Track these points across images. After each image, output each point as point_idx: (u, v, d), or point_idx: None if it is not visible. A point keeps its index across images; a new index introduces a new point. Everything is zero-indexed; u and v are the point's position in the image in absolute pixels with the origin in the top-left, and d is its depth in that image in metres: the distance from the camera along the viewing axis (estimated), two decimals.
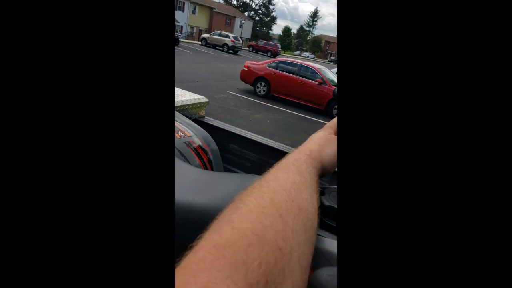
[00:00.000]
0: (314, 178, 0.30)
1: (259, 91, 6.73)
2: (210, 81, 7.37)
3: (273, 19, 51.18)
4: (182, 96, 1.18)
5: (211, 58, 13.50)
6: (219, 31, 21.20)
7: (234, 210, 0.23)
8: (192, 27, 28.42)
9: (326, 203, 0.37)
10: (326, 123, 0.41)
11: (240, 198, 0.24)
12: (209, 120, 1.19)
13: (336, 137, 0.37)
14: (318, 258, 0.30)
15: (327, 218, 0.35)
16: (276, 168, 0.29)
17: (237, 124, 1.30)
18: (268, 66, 6.67)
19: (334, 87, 5.95)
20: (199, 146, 0.82)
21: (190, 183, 0.50)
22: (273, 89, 6.55)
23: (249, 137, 1.05)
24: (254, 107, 5.79)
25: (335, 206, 0.36)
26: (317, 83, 6.13)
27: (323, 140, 0.35)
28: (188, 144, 0.78)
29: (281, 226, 0.22)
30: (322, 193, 0.38)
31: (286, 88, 6.42)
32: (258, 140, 1.03)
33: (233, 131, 1.09)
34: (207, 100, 1.26)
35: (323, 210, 0.37)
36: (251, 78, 6.79)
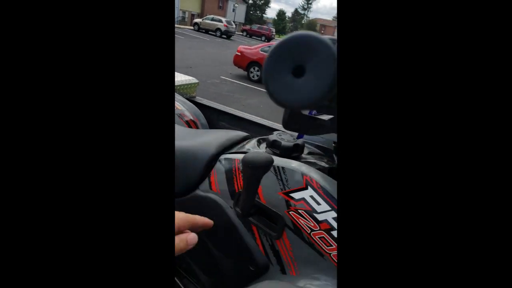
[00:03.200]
0: None
1: (253, 76, 6.72)
2: (202, 67, 7.32)
3: (267, 2, 49.94)
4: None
5: (203, 44, 13.28)
6: (211, 16, 20.71)
7: None
8: (184, 12, 27.65)
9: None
10: None
11: None
12: (200, 100, 1.27)
13: None
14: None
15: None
16: None
17: None
18: (261, 51, 6.63)
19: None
20: (191, 119, 0.92)
21: (179, 133, 0.62)
22: None
23: (237, 114, 1.14)
24: (247, 92, 5.81)
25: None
26: None
27: None
28: (181, 116, 0.88)
29: None
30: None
31: None
32: (245, 117, 1.12)
33: (222, 109, 1.17)
34: (197, 81, 1.33)
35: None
36: (244, 63, 6.75)
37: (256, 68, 6.63)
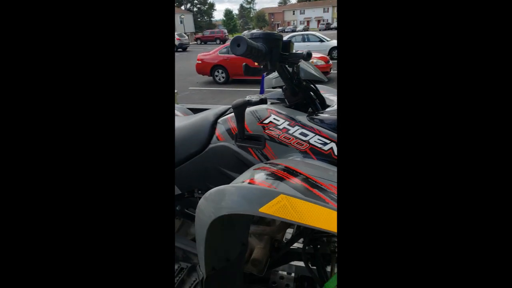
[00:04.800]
0: None
1: (219, 79, 6.98)
2: None
3: (211, 6, 50.06)
4: None
5: None
6: None
7: None
8: None
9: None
10: None
11: None
12: (182, 104, 1.54)
13: None
14: None
15: None
16: None
17: None
18: (220, 53, 6.89)
19: None
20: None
21: (182, 119, 0.91)
22: (231, 73, 6.82)
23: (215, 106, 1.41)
24: (218, 95, 6.06)
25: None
26: None
27: None
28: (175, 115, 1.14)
29: None
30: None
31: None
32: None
33: (200, 107, 1.46)
34: (176, 91, 1.59)
35: None
36: (207, 69, 7.01)
37: (220, 71, 6.90)
